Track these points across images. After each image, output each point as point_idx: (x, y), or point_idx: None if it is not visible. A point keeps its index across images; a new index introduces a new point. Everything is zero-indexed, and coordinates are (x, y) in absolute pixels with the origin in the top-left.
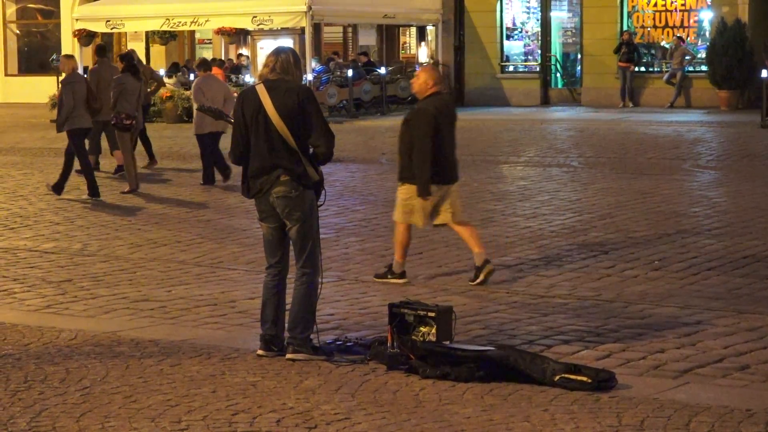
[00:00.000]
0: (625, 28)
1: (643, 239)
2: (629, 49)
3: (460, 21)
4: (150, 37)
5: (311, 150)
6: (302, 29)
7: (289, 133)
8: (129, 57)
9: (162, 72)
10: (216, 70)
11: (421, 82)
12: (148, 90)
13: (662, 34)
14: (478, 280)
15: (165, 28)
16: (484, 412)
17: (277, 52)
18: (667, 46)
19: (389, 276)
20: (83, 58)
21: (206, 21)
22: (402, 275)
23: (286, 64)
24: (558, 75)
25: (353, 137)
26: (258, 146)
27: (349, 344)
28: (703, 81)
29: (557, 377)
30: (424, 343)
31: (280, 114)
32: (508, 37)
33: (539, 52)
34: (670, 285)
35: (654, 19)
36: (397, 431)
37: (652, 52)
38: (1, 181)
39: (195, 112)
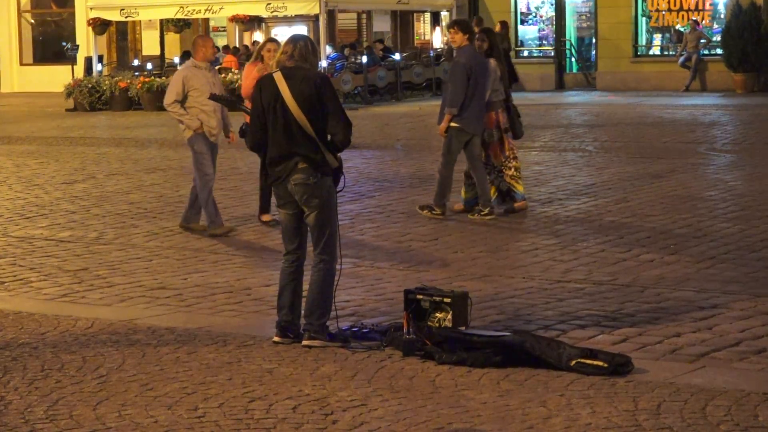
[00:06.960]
0: (639, 12)
1: (658, 223)
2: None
3: (474, 6)
4: (164, 25)
5: (329, 137)
6: (316, 16)
7: (306, 121)
8: None
9: (176, 60)
10: (230, 58)
11: None
12: None
13: (677, 17)
14: None
15: (179, 16)
16: (501, 398)
17: (294, 39)
18: (682, 29)
19: None
20: (98, 47)
21: (220, 9)
22: None
23: (304, 51)
24: (573, 59)
25: (368, 124)
26: (276, 134)
27: (365, 330)
28: (719, 64)
29: (573, 362)
30: (440, 329)
31: (298, 102)
32: (523, 22)
33: (554, 36)
34: (686, 269)
35: (669, 2)
36: (413, 417)
37: (668, 35)
38: (17, 170)
39: None
